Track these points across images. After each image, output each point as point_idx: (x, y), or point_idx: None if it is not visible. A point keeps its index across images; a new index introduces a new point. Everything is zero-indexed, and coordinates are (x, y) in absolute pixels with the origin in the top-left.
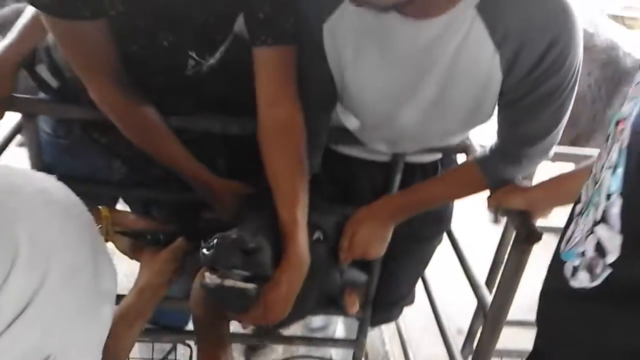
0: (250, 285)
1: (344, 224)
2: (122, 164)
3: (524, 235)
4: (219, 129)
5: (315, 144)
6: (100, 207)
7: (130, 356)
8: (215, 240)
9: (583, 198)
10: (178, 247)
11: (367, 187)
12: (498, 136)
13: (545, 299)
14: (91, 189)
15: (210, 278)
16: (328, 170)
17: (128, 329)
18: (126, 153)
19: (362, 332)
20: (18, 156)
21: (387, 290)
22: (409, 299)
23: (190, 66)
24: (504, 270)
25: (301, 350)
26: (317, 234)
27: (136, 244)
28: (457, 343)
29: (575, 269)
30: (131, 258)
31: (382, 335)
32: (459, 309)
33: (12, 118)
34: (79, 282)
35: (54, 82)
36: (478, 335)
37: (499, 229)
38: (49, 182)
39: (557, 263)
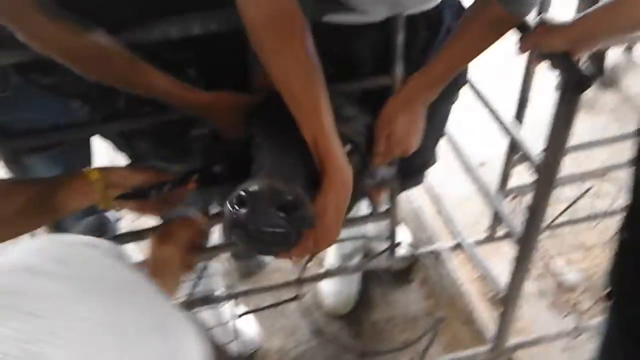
0: (292, 229)
1: (372, 126)
2: (81, 103)
3: (572, 82)
4: (177, 32)
5: None
6: (86, 169)
7: None
8: (245, 194)
9: None
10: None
11: (367, 55)
12: None
13: None
14: (55, 139)
15: (243, 227)
16: (319, 47)
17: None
18: (80, 90)
19: (392, 203)
20: None
21: (412, 159)
22: (432, 160)
23: None
24: (552, 125)
25: None
26: (347, 147)
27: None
28: (483, 175)
29: None
30: (140, 215)
31: (408, 194)
32: (477, 142)
33: None
34: None
35: None
36: (512, 174)
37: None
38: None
39: None
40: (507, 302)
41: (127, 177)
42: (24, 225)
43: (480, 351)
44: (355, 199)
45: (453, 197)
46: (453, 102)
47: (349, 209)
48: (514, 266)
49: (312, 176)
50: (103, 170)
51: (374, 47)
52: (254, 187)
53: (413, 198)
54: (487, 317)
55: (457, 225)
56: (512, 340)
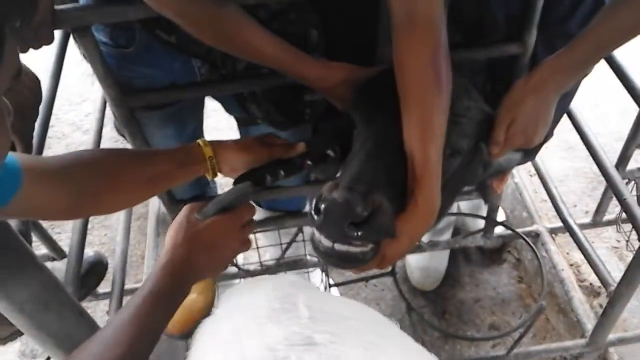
0: (367, 248)
1: (487, 120)
2: (202, 63)
3: None
4: None
5: None
6: (200, 142)
7: (259, 245)
8: (323, 205)
9: None
10: None
11: (501, 19)
12: None
13: None
14: (174, 97)
15: (319, 237)
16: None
17: None
18: (202, 49)
19: None
20: None
21: None
22: (550, 136)
23: None
24: None
25: None
26: (447, 151)
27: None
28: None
29: None
30: None
31: None
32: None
33: None
34: None
35: None
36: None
37: None
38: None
39: None
40: (616, 297)
41: (238, 155)
42: (141, 193)
43: (575, 344)
44: (450, 201)
45: (550, 174)
46: (587, 74)
47: (441, 214)
48: (633, 260)
49: (404, 178)
50: (215, 147)
51: (509, 8)
52: (331, 197)
53: (514, 172)
54: (585, 308)
55: (561, 206)
56: (611, 336)
